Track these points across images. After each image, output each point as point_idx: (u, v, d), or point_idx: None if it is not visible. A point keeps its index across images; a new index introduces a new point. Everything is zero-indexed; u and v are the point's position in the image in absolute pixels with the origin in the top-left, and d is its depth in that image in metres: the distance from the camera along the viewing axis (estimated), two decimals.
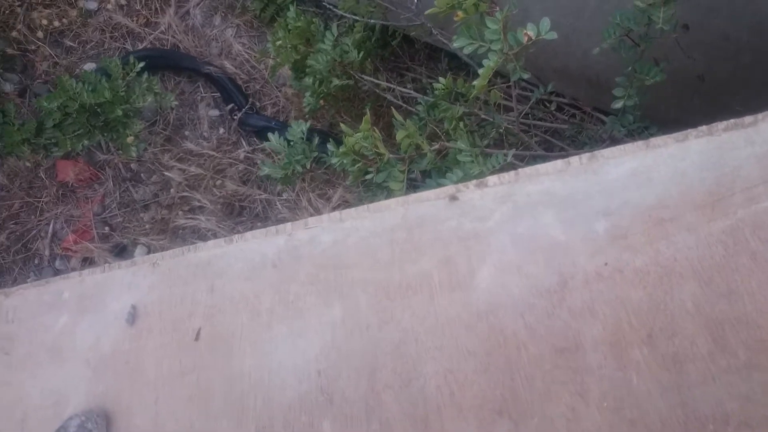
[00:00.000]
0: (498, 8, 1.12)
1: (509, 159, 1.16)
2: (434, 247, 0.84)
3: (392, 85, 1.78)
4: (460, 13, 1.13)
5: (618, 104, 1.35)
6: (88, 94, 2.02)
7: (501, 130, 1.33)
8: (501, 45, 1.10)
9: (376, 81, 1.79)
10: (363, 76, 1.85)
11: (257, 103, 2.50)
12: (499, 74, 1.78)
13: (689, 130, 0.76)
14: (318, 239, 0.89)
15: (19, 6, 2.61)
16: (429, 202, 0.87)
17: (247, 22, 2.56)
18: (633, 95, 1.34)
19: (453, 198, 0.85)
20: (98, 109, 2.11)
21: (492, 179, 0.84)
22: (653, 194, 0.75)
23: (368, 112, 1.16)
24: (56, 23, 2.53)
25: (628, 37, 1.34)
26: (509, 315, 0.76)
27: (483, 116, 1.33)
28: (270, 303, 0.87)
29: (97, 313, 0.95)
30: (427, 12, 1.17)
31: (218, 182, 2.37)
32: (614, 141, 1.56)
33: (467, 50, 1.15)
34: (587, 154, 0.81)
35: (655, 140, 0.77)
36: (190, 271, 0.93)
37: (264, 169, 1.51)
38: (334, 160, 1.17)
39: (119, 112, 2.06)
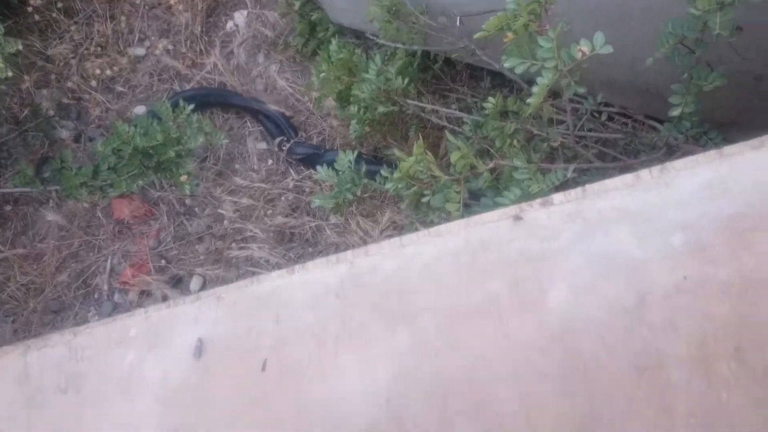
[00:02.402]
0: (548, 26, 1.11)
1: (570, 173, 1.13)
2: (501, 269, 0.82)
3: (437, 107, 1.77)
4: (509, 34, 1.13)
5: (676, 112, 1.32)
6: (140, 137, 2.08)
7: (555, 144, 1.31)
8: (555, 62, 1.09)
9: (421, 104, 1.80)
10: (407, 100, 1.86)
11: (304, 134, 2.54)
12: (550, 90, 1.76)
13: (765, 137, 0.73)
14: (380, 266, 0.89)
15: (72, 58, 2.73)
16: (492, 223, 0.85)
17: (289, 57, 2.61)
18: (690, 102, 1.30)
19: (517, 218, 0.84)
20: (151, 151, 2.16)
21: (557, 197, 0.82)
22: (732, 204, 0.71)
23: (420, 137, 1.16)
24: (108, 71, 2.63)
25: (682, 44, 1.30)
26: (585, 335, 0.73)
27: (536, 132, 1.31)
28: (335, 332, 0.87)
29: (164, 348, 0.96)
30: (475, 36, 1.16)
31: (269, 212, 2.40)
32: (670, 148, 1.51)
33: (519, 70, 1.14)
34: (658, 167, 0.78)
35: (729, 149, 0.74)
36: (253, 303, 0.94)
37: (315, 201, 1.53)
38: (388, 185, 1.17)
39: (172, 154, 2.11)
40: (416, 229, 0.93)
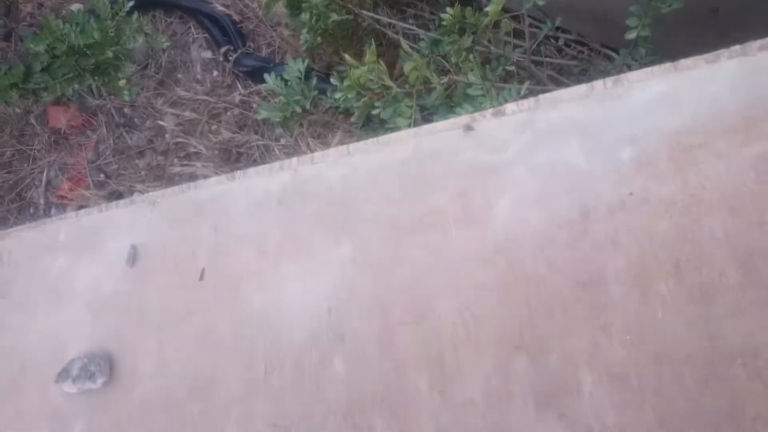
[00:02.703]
0: None
1: (523, 92, 1.11)
2: (448, 180, 0.80)
3: (393, 21, 1.70)
4: None
5: (632, 35, 1.29)
6: (76, 35, 1.93)
7: (510, 66, 1.27)
8: None
9: (377, 16, 1.71)
10: (363, 11, 1.77)
11: (252, 44, 2.42)
12: (505, 10, 1.70)
13: (721, 51, 0.71)
14: (325, 174, 0.85)
15: None
16: (442, 133, 0.82)
17: None
18: (647, 25, 1.28)
19: (468, 128, 0.81)
20: (87, 52, 2.02)
21: (510, 107, 0.79)
22: (681, 119, 0.70)
23: (373, 45, 1.10)
24: None
25: None
26: (528, 249, 0.73)
27: (493, 49, 1.27)
28: (276, 241, 0.84)
29: (96, 254, 0.92)
30: None
31: (213, 127, 2.30)
32: None
33: None
34: (612, 78, 0.76)
35: (684, 62, 0.72)
36: (191, 209, 0.89)
37: (262, 113, 1.46)
38: (338, 95, 1.11)
39: (110, 54, 1.98)
40: None
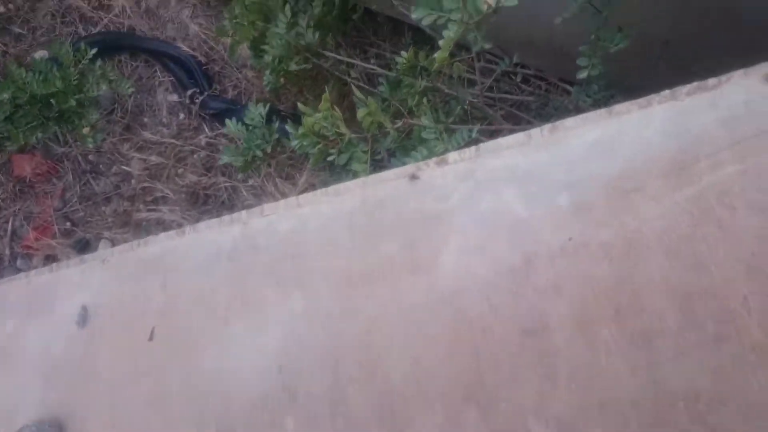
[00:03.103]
0: None
1: (474, 135, 1.12)
2: (396, 230, 0.81)
3: (355, 61, 1.72)
4: None
5: (583, 74, 1.32)
6: (38, 83, 1.93)
7: (466, 106, 1.29)
8: (461, 14, 1.06)
9: (338, 57, 1.74)
10: (324, 51, 1.79)
11: (218, 86, 2.43)
12: (463, 47, 1.73)
13: (652, 96, 0.73)
14: (275, 227, 0.85)
15: None
16: (389, 182, 0.83)
17: (203, 1, 2.47)
18: (597, 64, 1.31)
19: (413, 177, 0.82)
20: (51, 100, 2.02)
21: (452, 156, 0.80)
22: (617, 164, 0.72)
23: (327, 91, 1.11)
24: (1, 8, 2.41)
25: (590, 4, 1.30)
26: (474, 297, 0.73)
27: (447, 91, 1.29)
28: (226, 298, 0.83)
29: (46, 315, 0.90)
30: None
31: (180, 171, 2.30)
32: (580, 111, 1.52)
33: (426, 21, 1.10)
34: (549, 126, 0.78)
35: (618, 107, 0.74)
36: (141, 267, 0.89)
37: (224, 158, 1.46)
38: (293, 143, 1.12)
39: (73, 103, 1.98)
40: None
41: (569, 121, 0.77)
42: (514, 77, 1.80)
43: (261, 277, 0.83)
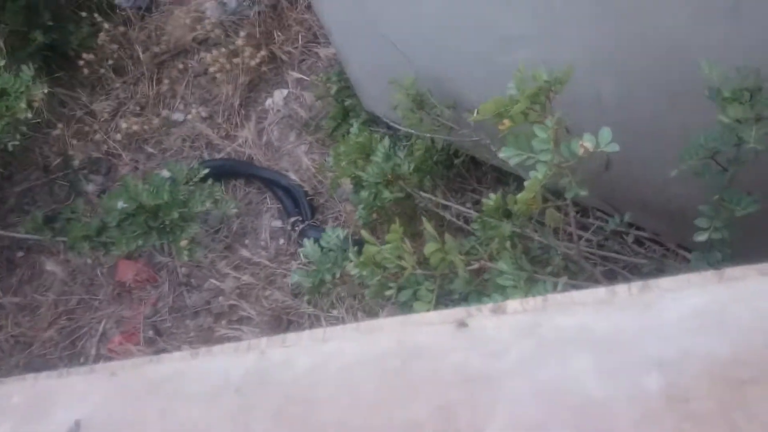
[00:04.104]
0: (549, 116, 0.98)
1: (560, 287, 0.96)
2: (431, 387, 0.65)
3: (448, 203, 1.64)
4: (506, 122, 1.00)
5: (702, 236, 1.13)
6: (148, 194, 2.03)
7: (558, 255, 1.14)
8: (551, 156, 0.95)
9: (432, 197, 1.67)
10: (420, 192, 1.74)
11: (320, 217, 2.45)
12: (560, 194, 1.61)
13: None
14: (294, 361, 0.72)
15: (113, 115, 2.77)
16: (432, 326, 0.69)
17: (319, 140, 2.58)
18: (720, 228, 1.12)
19: (461, 324, 0.67)
20: (159, 213, 2.11)
21: (512, 304, 0.65)
22: (727, 344, 0.53)
23: (397, 221, 1.02)
24: (135, 128, 2.64)
25: (713, 159, 1.14)
26: None
27: (537, 238, 1.15)
28: None
29: (40, 424, 0.81)
30: (470, 119, 1.04)
31: (268, 293, 2.26)
32: None
33: (513, 161, 1.00)
34: (639, 283, 0.61)
35: (730, 271, 0.57)
36: (146, 387, 0.78)
37: (295, 276, 1.39)
38: (353, 271, 1.02)
39: (176, 215, 2.05)
40: None
41: (666, 282, 0.59)
42: (625, 237, 1.62)
43: (266, 420, 0.69)
